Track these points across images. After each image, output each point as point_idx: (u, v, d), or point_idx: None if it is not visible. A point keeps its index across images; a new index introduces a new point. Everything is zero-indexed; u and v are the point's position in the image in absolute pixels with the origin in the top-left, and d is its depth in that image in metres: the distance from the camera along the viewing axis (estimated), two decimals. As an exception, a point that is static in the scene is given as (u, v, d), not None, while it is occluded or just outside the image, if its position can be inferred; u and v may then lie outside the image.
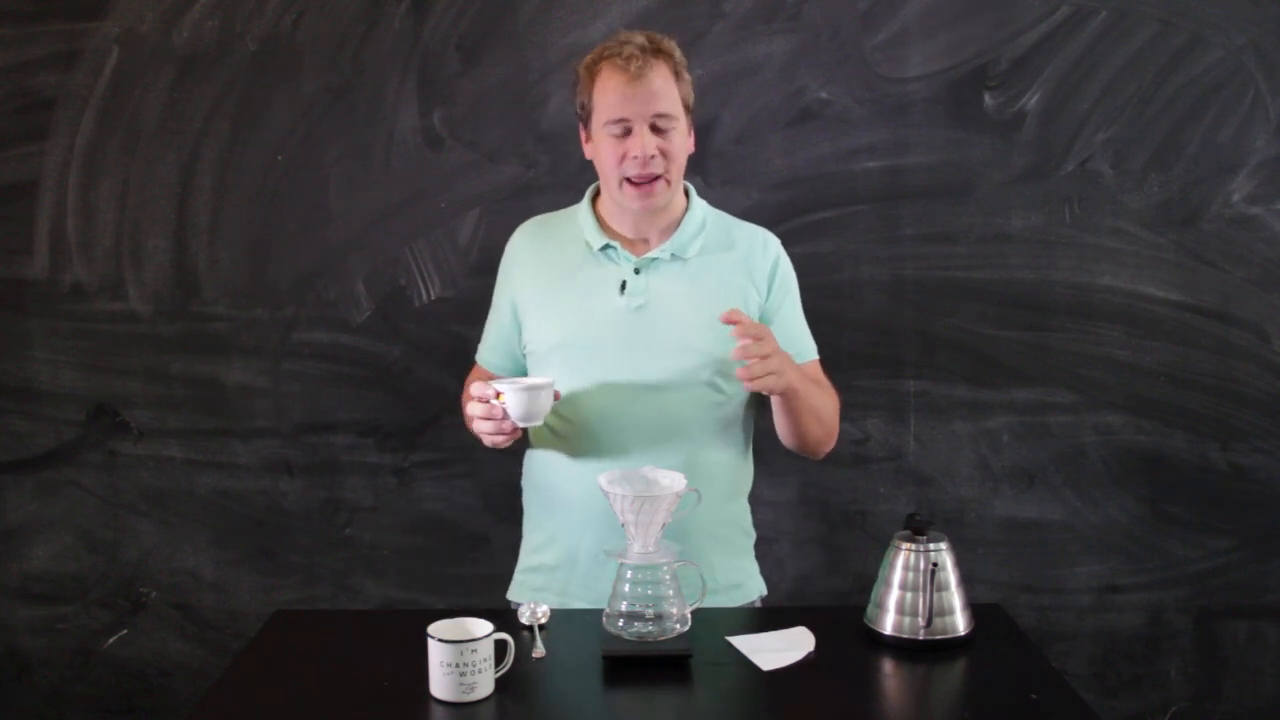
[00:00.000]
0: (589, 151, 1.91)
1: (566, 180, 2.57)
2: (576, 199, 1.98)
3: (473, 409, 1.82)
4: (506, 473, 2.66)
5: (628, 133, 1.82)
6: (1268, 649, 2.77)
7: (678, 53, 1.86)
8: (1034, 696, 1.55)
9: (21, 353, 2.68)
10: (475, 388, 1.82)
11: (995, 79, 2.56)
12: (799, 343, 2.02)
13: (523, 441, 1.98)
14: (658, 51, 1.83)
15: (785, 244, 2.00)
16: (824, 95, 2.57)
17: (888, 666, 1.66)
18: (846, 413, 2.64)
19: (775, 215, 2.52)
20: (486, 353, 2.04)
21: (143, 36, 2.56)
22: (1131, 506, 2.71)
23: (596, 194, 1.97)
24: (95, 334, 2.67)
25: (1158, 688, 2.77)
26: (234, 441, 2.70)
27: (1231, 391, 2.67)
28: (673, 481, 1.67)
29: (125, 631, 2.78)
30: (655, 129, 1.82)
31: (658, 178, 1.83)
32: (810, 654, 1.67)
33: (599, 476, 1.68)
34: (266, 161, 2.61)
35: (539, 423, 1.80)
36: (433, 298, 2.65)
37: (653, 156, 1.81)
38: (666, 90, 1.82)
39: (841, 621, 1.81)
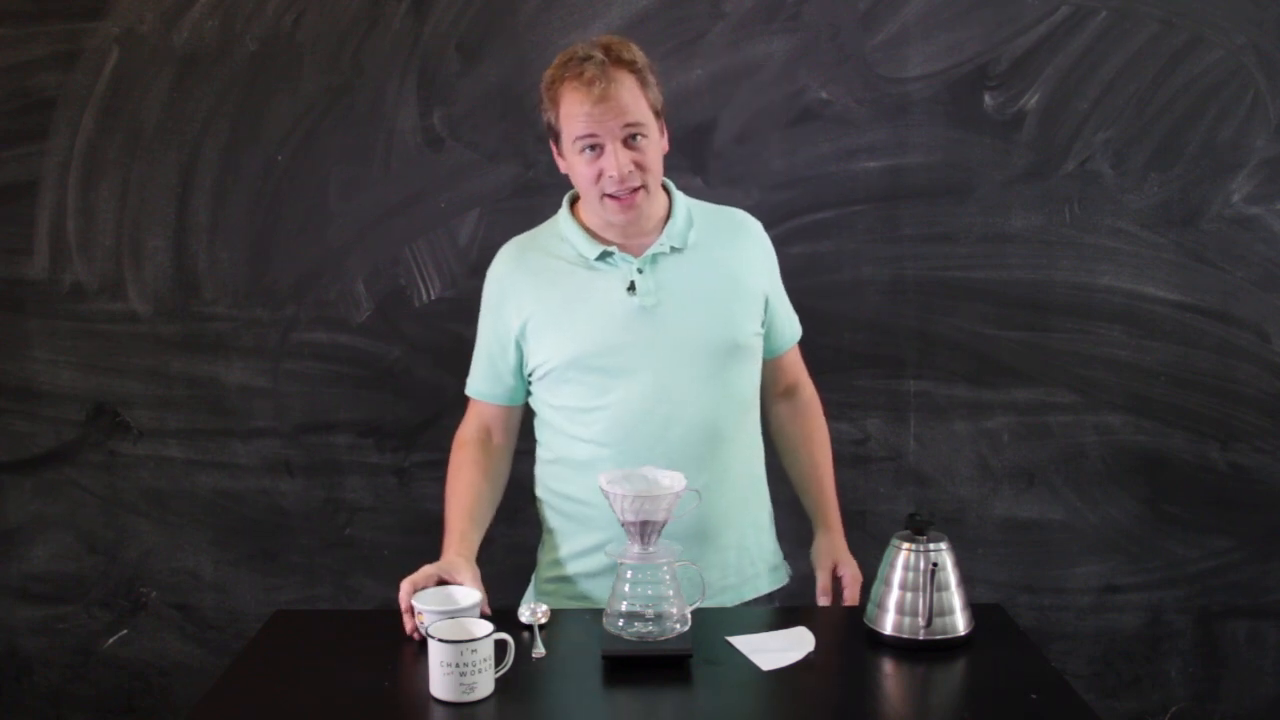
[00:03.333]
0: (563, 167, 1.86)
1: (566, 180, 2.56)
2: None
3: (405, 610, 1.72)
4: (506, 473, 2.68)
5: (599, 149, 1.77)
6: (1268, 649, 2.77)
7: (640, 57, 1.80)
8: (1034, 696, 1.55)
9: (21, 353, 2.68)
10: (402, 597, 1.71)
11: (995, 79, 2.56)
12: (791, 324, 2.03)
13: (530, 444, 1.97)
14: (618, 62, 1.77)
15: (785, 244, 2.01)
16: (824, 95, 2.57)
17: (888, 666, 1.66)
18: (847, 413, 2.67)
19: (775, 215, 2.51)
20: (480, 384, 1.96)
21: (143, 36, 2.56)
22: (1131, 506, 2.71)
23: (573, 202, 1.93)
24: (95, 334, 2.67)
25: (1158, 688, 2.77)
26: (234, 441, 2.70)
27: (1231, 391, 2.67)
28: (673, 482, 1.67)
29: (125, 631, 2.78)
30: (627, 143, 1.77)
31: (637, 189, 1.80)
32: (810, 654, 1.67)
33: (599, 476, 1.68)
34: (266, 161, 2.61)
35: None
36: (433, 298, 2.65)
37: (629, 171, 1.77)
38: (634, 102, 1.77)
39: (841, 621, 1.81)
